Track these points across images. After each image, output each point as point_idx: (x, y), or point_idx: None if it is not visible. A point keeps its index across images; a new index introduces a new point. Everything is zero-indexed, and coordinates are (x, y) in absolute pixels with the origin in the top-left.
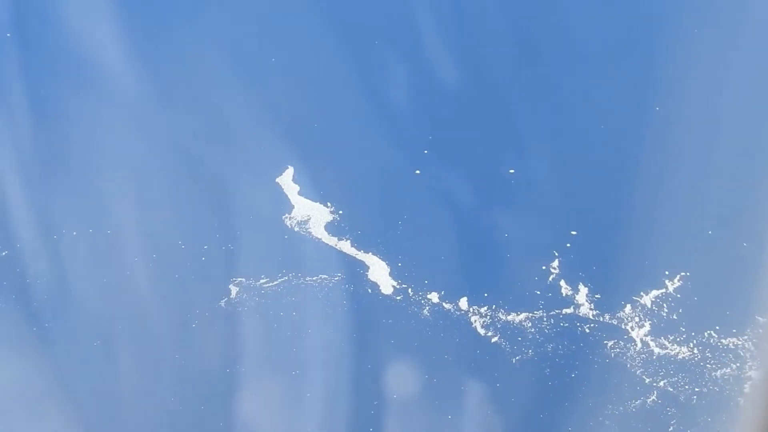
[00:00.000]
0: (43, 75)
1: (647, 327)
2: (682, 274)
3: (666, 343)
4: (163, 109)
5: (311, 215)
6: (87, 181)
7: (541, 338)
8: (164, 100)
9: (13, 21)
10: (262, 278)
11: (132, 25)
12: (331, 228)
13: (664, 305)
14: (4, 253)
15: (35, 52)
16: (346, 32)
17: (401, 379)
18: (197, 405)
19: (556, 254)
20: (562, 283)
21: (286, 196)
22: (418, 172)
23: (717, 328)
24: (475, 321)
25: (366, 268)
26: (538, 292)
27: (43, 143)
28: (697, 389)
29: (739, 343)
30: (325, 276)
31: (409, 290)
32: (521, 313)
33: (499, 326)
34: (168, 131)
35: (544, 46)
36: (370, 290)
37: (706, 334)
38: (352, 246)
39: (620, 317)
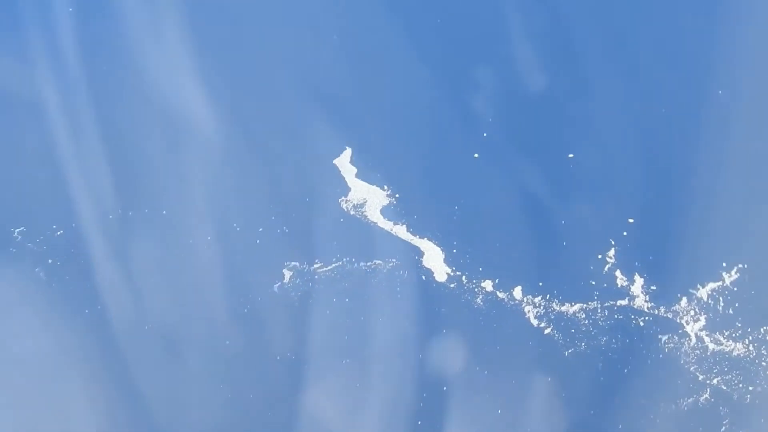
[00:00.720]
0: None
1: (702, 321)
2: (740, 266)
3: (721, 338)
4: (223, 90)
5: (367, 198)
6: (144, 161)
7: (595, 330)
8: (226, 82)
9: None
10: (316, 263)
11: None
12: (387, 212)
13: (720, 299)
14: (59, 233)
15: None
16: (407, 14)
17: (452, 371)
18: (248, 389)
19: (613, 243)
20: (618, 273)
21: (343, 178)
22: (476, 155)
23: None
24: (529, 311)
25: (421, 253)
26: (593, 282)
27: (100, 125)
28: (751, 388)
29: None
30: (379, 261)
31: (463, 278)
32: (575, 304)
33: (552, 317)
34: (226, 112)
35: (608, 28)
36: (424, 277)
37: (762, 329)
38: (407, 231)
39: (676, 310)
